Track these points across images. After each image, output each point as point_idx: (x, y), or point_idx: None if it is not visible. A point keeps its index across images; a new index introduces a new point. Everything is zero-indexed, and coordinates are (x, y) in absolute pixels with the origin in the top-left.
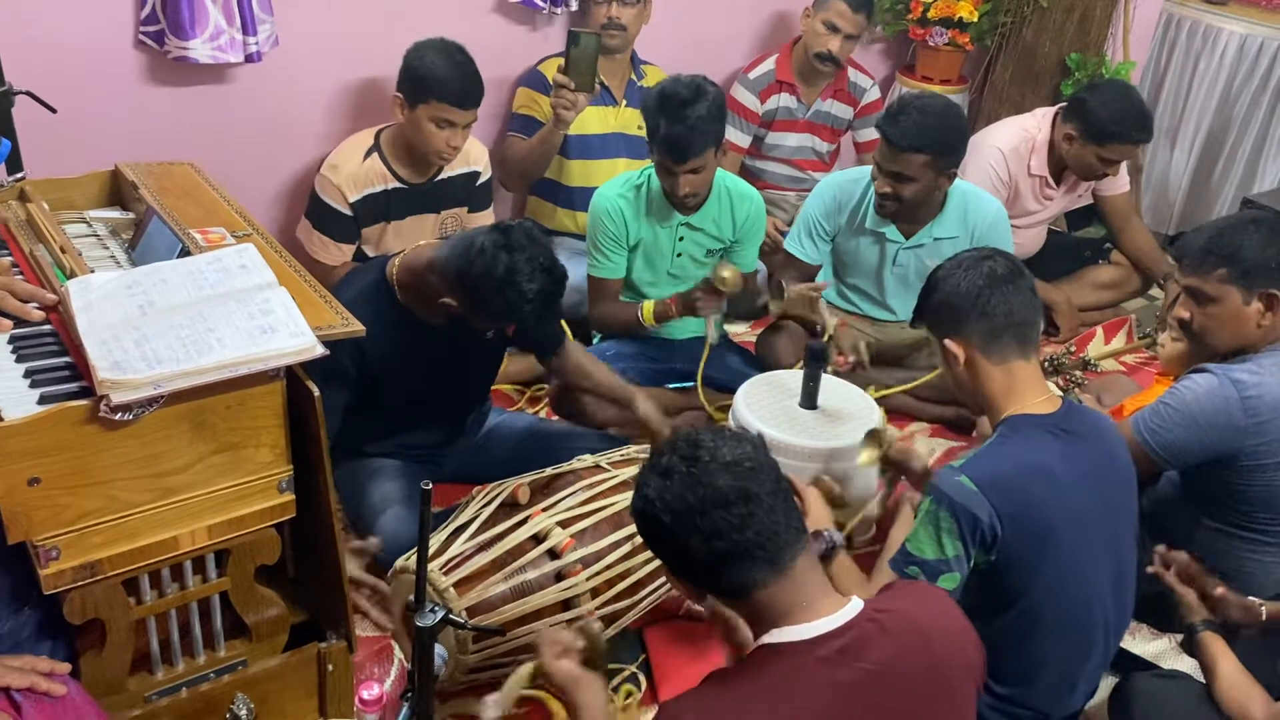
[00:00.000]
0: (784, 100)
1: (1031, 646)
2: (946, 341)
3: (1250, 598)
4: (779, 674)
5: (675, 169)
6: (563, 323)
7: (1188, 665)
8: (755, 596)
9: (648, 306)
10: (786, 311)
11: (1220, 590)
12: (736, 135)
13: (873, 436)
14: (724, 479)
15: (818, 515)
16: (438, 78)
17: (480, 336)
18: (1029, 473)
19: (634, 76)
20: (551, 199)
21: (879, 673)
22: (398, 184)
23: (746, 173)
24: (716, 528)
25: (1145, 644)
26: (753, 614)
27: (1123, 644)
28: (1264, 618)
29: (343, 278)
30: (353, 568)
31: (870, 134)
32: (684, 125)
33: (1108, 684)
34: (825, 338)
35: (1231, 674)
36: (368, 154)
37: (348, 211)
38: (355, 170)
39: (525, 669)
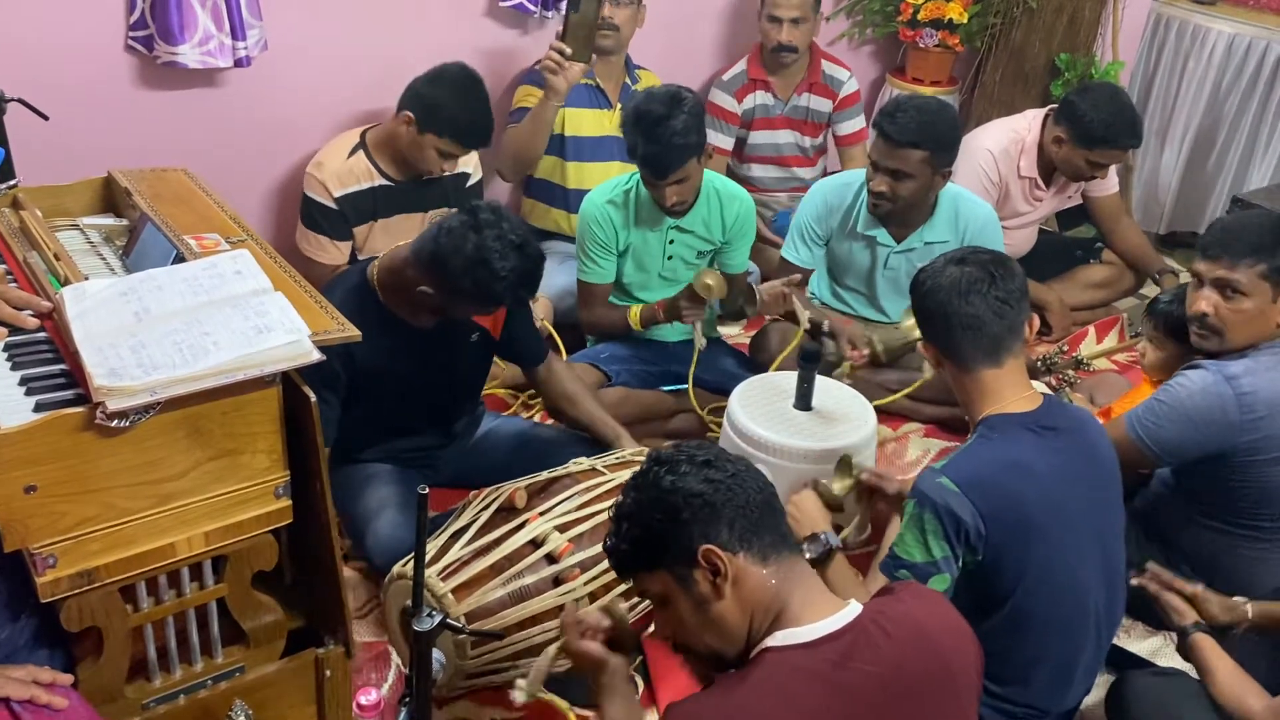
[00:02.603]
0: (760, 98)
1: (1025, 643)
2: (921, 344)
3: (1236, 597)
4: (784, 677)
5: (658, 184)
6: (556, 335)
7: (1182, 662)
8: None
9: (634, 312)
10: (765, 313)
11: (1199, 590)
12: (719, 139)
13: (842, 466)
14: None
15: (814, 518)
16: (454, 119)
17: (465, 338)
18: (1009, 471)
19: (628, 80)
20: (547, 200)
21: (883, 675)
22: (384, 181)
23: (733, 178)
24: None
25: (1140, 642)
26: (754, 609)
27: (1119, 642)
28: (1250, 615)
29: (327, 283)
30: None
31: (850, 127)
32: (660, 144)
33: (1104, 682)
34: (800, 332)
35: (1228, 672)
36: (353, 151)
37: (333, 206)
38: (339, 167)
39: (551, 650)
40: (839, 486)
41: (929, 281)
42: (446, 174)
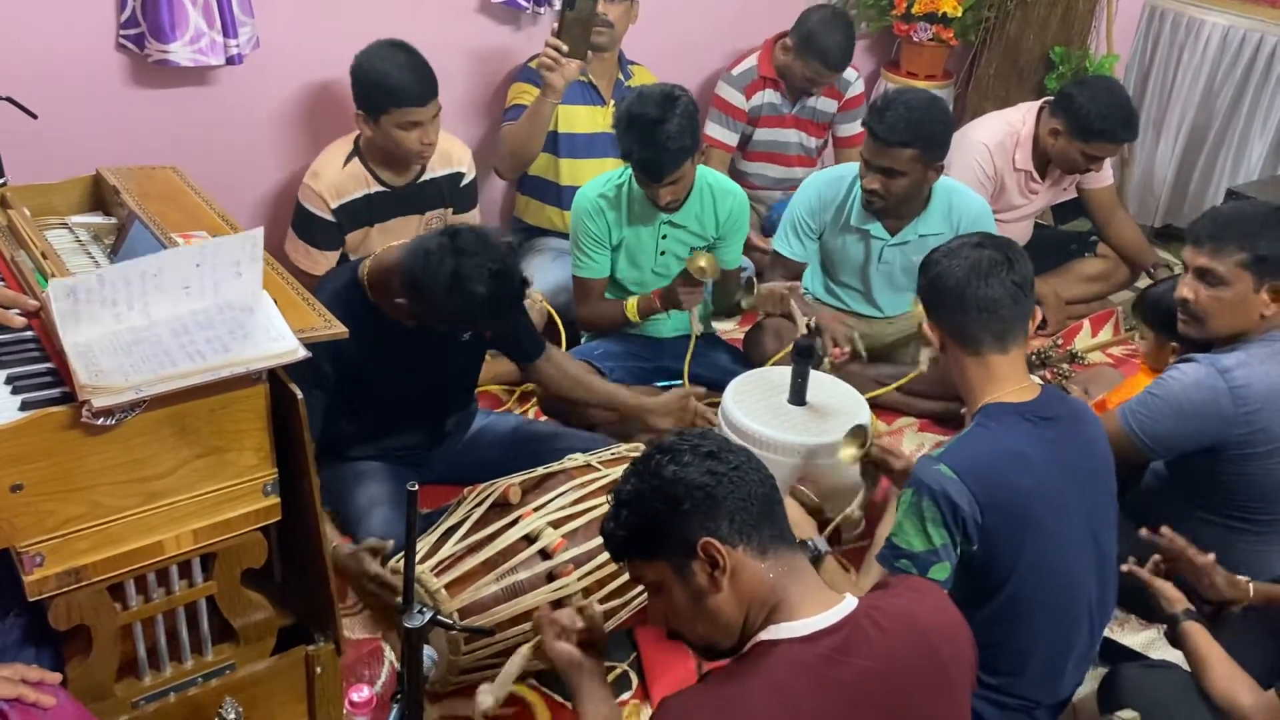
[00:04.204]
0: (769, 96)
1: (1018, 634)
2: (925, 324)
3: (1240, 576)
4: (779, 671)
5: (653, 185)
6: (560, 324)
7: (1176, 655)
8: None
9: (631, 303)
10: (759, 308)
11: (1209, 560)
12: (724, 134)
13: (855, 434)
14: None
15: (799, 525)
16: (389, 86)
17: (457, 336)
18: (1006, 459)
19: (621, 76)
20: (540, 197)
21: (877, 669)
22: (380, 187)
23: (734, 174)
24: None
25: (1134, 634)
26: (750, 602)
27: (1111, 634)
28: (1251, 595)
29: (319, 281)
30: (376, 567)
31: (851, 130)
32: (655, 148)
33: (1096, 674)
34: (799, 335)
35: (1218, 663)
36: (348, 159)
37: (330, 218)
38: (336, 177)
39: (524, 649)
40: (846, 455)
41: (945, 261)
42: (431, 146)
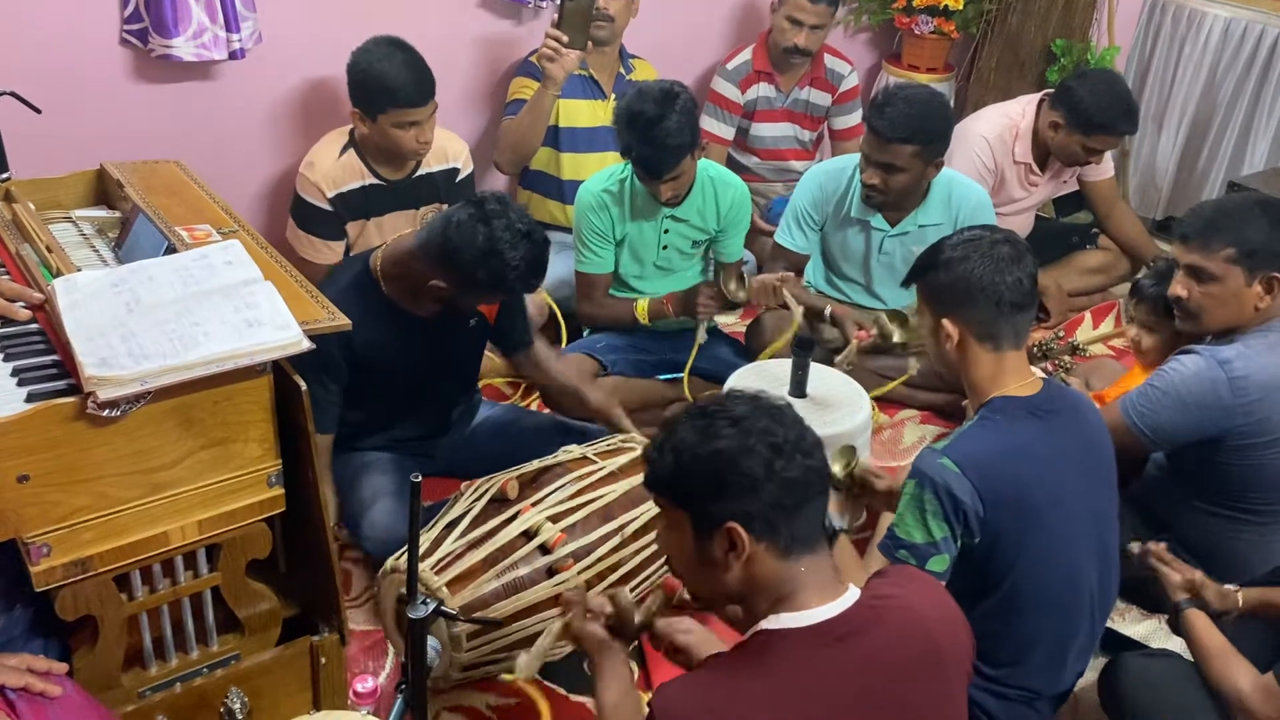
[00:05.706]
0: (763, 90)
1: (1019, 626)
2: (945, 321)
3: (1228, 585)
4: (777, 659)
5: (654, 182)
6: (561, 318)
7: (1176, 645)
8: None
9: (641, 306)
10: (754, 302)
11: (1197, 576)
12: (720, 128)
13: (844, 453)
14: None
15: None
16: (388, 86)
17: (464, 325)
18: (1010, 453)
19: (623, 70)
20: (542, 191)
21: (877, 659)
22: (376, 180)
23: (732, 168)
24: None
25: (1134, 625)
26: (757, 589)
27: (1112, 625)
28: (1240, 604)
29: (328, 274)
30: None
31: (847, 121)
32: (654, 145)
33: (1097, 664)
34: (795, 322)
35: (1218, 650)
36: (344, 150)
37: (328, 207)
38: (331, 166)
39: (555, 626)
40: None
41: (973, 258)
42: (427, 144)
